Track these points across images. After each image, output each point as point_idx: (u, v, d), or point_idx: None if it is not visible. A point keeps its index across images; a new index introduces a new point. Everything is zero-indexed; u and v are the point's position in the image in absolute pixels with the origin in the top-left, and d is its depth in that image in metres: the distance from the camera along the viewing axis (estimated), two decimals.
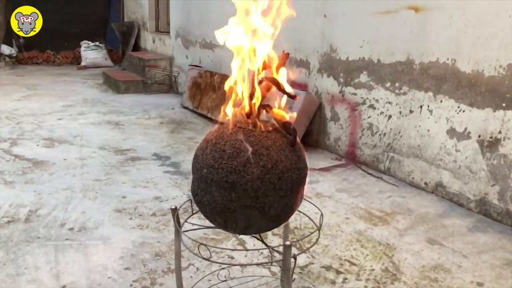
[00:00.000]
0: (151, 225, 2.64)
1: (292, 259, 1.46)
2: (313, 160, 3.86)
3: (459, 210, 2.95)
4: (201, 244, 1.60)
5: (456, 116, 3.02)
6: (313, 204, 1.83)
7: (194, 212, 1.70)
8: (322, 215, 1.67)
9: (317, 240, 1.68)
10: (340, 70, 3.98)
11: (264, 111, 1.54)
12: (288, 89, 1.53)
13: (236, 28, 1.51)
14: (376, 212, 2.90)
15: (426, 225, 2.74)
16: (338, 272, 2.19)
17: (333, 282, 2.11)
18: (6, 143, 4.19)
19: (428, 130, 3.22)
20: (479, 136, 2.88)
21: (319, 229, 1.64)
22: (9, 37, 9.47)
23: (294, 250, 1.47)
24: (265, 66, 1.54)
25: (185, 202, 1.91)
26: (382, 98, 3.59)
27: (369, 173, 3.60)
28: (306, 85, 4.35)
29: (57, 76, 8.59)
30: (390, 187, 3.34)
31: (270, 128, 1.52)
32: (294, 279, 1.95)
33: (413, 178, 3.36)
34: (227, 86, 1.56)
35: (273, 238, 2.48)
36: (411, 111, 3.36)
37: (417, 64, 3.27)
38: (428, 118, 3.22)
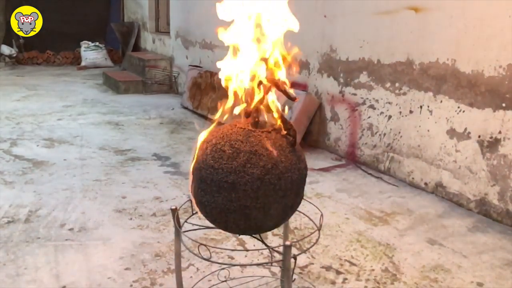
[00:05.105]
0: (151, 226, 2.64)
1: (292, 259, 1.46)
2: (313, 160, 3.86)
3: (459, 210, 2.95)
4: (201, 244, 1.60)
5: (456, 116, 3.02)
6: (313, 205, 1.83)
7: (194, 212, 1.70)
8: (322, 215, 1.67)
9: (317, 240, 1.68)
10: (340, 70, 3.98)
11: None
12: (288, 90, 1.53)
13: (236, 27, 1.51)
14: (376, 212, 2.90)
15: (426, 225, 2.74)
16: (338, 273, 2.19)
17: (333, 283, 2.11)
18: (6, 143, 4.19)
19: (428, 130, 3.22)
20: (479, 136, 2.88)
21: (319, 229, 1.64)
22: (9, 37, 9.47)
23: (294, 250, 1.47)
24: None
25: (185, 203, 1.91)
26: (382, 98, 3.59)
27: (369, 173, 3.60)
28: (306, 85, 4.35)
29: (57, 76, 8.59)
30: (390, 187, 3.34)
31: (270, 129, 1.52)
32: (294, 279, 1.94)
33: (413, 178, 3.36)
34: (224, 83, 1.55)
35: (273, 238, 2.48)
36: (411, 111, 3.36)
37: (417, 64, 3.27)
38: (428, 118, 3.21)
